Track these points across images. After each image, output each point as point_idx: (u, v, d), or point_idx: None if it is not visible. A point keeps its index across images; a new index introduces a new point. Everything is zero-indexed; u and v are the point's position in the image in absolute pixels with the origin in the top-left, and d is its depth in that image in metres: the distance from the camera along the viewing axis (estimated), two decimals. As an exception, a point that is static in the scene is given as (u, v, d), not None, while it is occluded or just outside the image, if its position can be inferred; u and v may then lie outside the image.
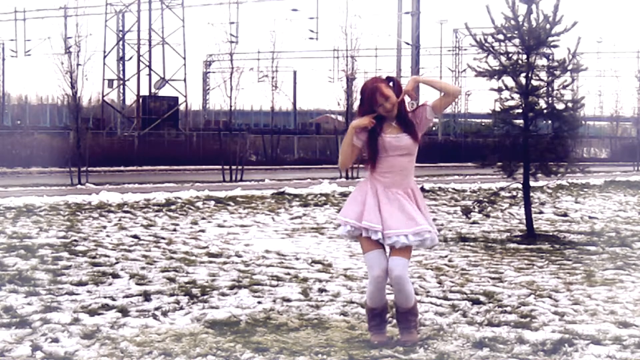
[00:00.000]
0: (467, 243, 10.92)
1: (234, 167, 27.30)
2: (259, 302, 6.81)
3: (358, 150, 5.52)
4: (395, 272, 5.37)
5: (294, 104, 66.09)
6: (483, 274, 8.41)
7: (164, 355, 5.17)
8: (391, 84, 5.48)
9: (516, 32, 11.83)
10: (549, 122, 12.65)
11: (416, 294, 7.22)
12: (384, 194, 5.41)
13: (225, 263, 8.99)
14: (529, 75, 11.91)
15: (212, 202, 16.25)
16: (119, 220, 13.14)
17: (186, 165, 36.66)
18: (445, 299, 7.06)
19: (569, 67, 11.98)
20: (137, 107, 47.17)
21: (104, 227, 12.21)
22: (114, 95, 53.65)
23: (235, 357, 5.16)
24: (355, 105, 5.77)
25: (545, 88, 12.14)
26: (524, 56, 11.96)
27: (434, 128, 61.79)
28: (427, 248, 5.48)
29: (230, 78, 28.95)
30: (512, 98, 12.18)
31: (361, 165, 5.72)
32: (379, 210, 5.38)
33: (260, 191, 19.08)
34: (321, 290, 7.37)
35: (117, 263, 8.82)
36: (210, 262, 9.06)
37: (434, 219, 14.05)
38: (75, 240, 10.58)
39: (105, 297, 6.94)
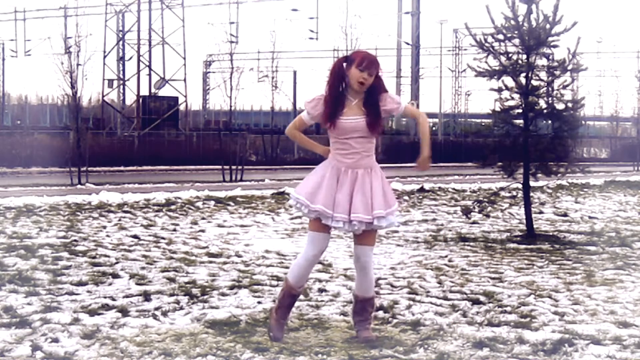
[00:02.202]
0: (467, 243, 10.92)
1: (234, 167, 27.31)
2: (259, 302, 6.81)
3: (306, 126, 5.72)
4: (362, 258, 5.52)
5: (294, 104, 66.01)
6: (483, 274, 8.40)
7: (164, 355, 5.17)
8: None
9: (516, 32, 11.82)
10: (549, 122, 12.64)
11: (416, 293, 7.25)
12: (345, 175, 5.43)
13: (225, 263, 8.99)
14: (529, 75, 11.91)
15: (212, 202, 16.25)
16: (119, 220, 13.14)
17: (186, 165, 36.66)
18: (445, 299, 7.05)
19: (569, 67, 11.98)
20: (137, 107, 47.18)
21: (104, 227, 12.21)
22: (114, 95, 53.74)
23: (235, 357, 5.16)
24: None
25: (545, 88, 12.13)
26: (524, 56, 11.95)
27: (434, 128, 61.83)
28: (383, 229, 5.65)
29: (230, 78, 29.03)
30: (512, 98, 12.18)
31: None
32: (334, 193, 5.40)
33: (260, 191, 19.08)
34: (321, 290, 7.37)
35: (117, 263, 8.82)
36: (210, 262, 9.06)
37: (434, 219, 14.09)
38: (75, 240, 10.58)
39: (105, 297, 6.93)
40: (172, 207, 15.31)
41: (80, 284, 7.56)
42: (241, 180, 26.12)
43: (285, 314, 5.66)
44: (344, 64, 5.49)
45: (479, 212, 12.65)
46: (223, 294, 7.15)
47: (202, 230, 12.07)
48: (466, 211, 12.76)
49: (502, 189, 12.87)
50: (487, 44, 11.98)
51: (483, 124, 14.05)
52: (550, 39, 11.82)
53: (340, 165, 5.46)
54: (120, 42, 50.43)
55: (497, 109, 12.27)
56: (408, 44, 47.34)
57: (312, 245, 5.55)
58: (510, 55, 12.03)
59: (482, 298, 7.07)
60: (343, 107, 5.46)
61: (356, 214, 5.36)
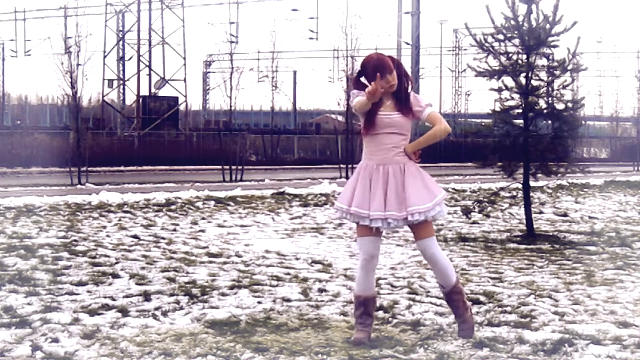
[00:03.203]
0: (467, 243, 10.92)
1: (234, 167, 27.32)
2: (259, 302, 6.81)
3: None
4: (427, 251, 5.54)
5: (294, 104, 66.11)
6: (483, 274, 8.40)
7: (164, 355, 5.17)
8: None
9: (516, 32, 11.82)
10: (549, 122, 12.65)
11: (416, 293, 7.25)
12: (376, 172, 5.46)
13: (225, 263, 8.99)
14: (529, 75, 11.91)
15: (212, 202, 16.25)
16: (119, 220, 13.14)
17: (186, 165, 36.68)
18: (445, 299, 7.05)
19: (569, 67, 11.98)
20: (137, 107, 47.19)
21: (104, 227, 12.21)
22: (114, 95, 53.75)
23: (235, 357, 5.16)
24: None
25: (545, 88, 12.13)
26: (524, 56, 11.95)
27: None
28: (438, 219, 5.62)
29: (230, 78, 29.04)
30: (512, 98, 12.18)
31: None
32: (369, 194, 5.44)
33: (260, 191, 19.08)
34: (321, 290, 7.37)
35: (117, 263, 8.82)
36: (210, 262, 9.06)
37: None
38: (75, 240, 10.58)
39: (105, 297, 6.94)
40: (172, 207, 15.32)
41: (80, 284, 7.56)
42: (241, 180, 26.13)
43: (363, 319, 5.59)
44: (361, 79, 5.53)
45: (479, 212, 12.65)
46: (223, 294, 7.15)
47: (202, 230, 12.07)
48: (466, 211, 12.76)
49: (502, 189, 12.86)
50: (487, 44, 11.98)
51: (483, 124, 14.04)
52: (550, 39, 11.82)
53: (371, 163, 5.51)
54: (120, 42, 50.44)
55: (497, 109, 12.27)
56: (408, 44, 47.36)
57: (360, 250, 5.58)
58: (510, 55, 12.03)
59: (482, 298, 7.07)
60: (380, 105, 5.49)
61: (390, 212, 5.40)
